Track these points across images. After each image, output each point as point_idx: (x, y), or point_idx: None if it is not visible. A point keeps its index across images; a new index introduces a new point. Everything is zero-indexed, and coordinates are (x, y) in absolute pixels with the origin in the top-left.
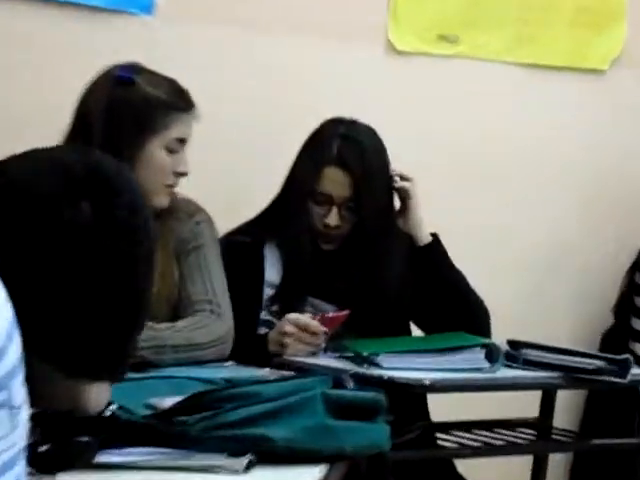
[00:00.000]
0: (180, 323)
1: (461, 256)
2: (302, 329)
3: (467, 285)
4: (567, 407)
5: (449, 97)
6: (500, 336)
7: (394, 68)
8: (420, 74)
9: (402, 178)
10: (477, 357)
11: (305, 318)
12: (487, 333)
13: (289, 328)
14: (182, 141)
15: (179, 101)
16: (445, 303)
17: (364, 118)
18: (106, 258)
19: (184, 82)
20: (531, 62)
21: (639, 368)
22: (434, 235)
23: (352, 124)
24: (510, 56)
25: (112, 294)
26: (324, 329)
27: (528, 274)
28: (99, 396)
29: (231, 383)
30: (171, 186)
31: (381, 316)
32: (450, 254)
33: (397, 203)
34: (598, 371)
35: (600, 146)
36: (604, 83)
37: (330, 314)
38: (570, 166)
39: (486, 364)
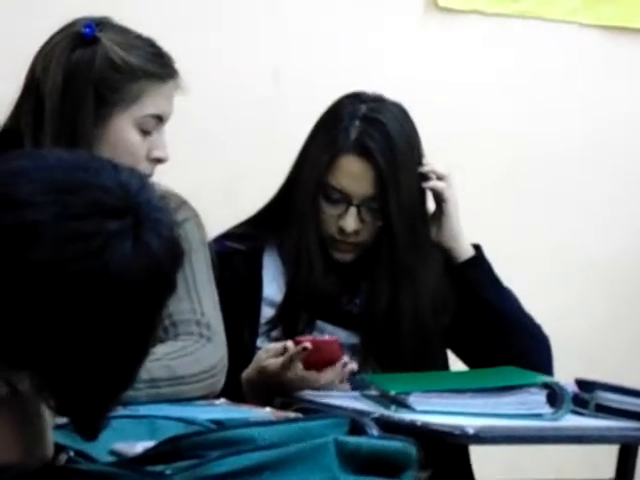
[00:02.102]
0: (160, 349)
1: (517, 274)
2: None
3: (519, 308)
4: None
5: (505, 67)
6: (567, 375)
7: (436, 28)
8: (469, 36)
9: (435, 176)
10: (536, 400)
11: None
12: (547, 369)
13: (272, 362)
14: (159, 119)
15: (155, 67)
16: (492, 330)
17: (396, 93)
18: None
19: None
20: (609, 24)
21: None
22: (477, 247)
23: (376, 102)
24: (584, 16)
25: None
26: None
27: (605, 299)
28: (50, 440)
29: (219, 426)
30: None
31: (412, 346)
32: (499, 271)
33: (430, 207)
34: None
35: None
36: None
37: (305, 337)
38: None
39: (547, 409)
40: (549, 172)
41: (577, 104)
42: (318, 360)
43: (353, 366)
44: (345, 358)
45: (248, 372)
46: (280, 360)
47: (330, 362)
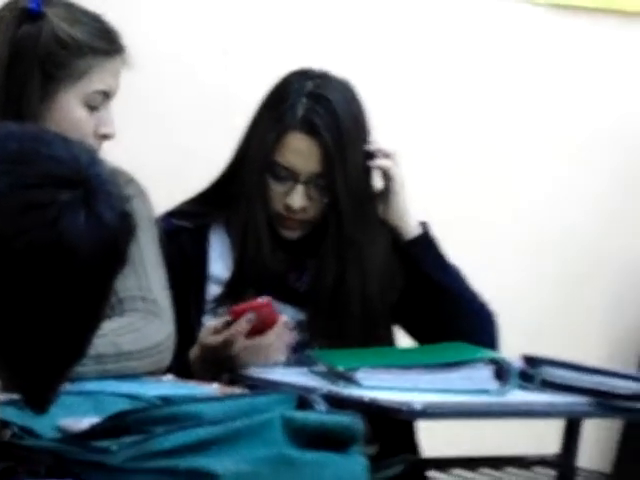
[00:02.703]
0: (106, 325)
1: (465, 252)
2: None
3: (466, 285)
4: (596, 442)
5: (459, 43)
6: (515, 351)
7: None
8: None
9: (382, 154)
10: (482, 375)
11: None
12: (494, 345)
13: (213, 339)
14: (106, 95)
15: (102, 43)
16: (439, 307)
17: (343, 70)
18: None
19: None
20: (559, 2)
21: None
22: (424, 225)
23: (323, 78)
24: None
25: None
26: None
27: (553, 277)
28: None
29: (166, 402)
30: None
31: (359, 322)
32: (447, 249)
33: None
34: (636, 397)
35: None
36: None
37: (240, 305)
38: (606, 140)
39: (494, 384)
40: (500, 151)
41: (526, 81)
42: (257, 325)
43: (289, 325)
44: (283, 317)
45: (194, 350)
46: (221, 337)
47: (270, 324)
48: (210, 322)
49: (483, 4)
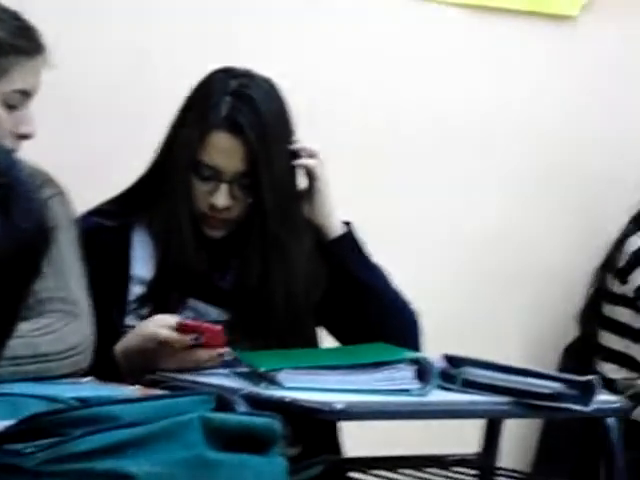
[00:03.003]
0: (23, 327)
1: (388, 253)
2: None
3: (388, 285)
4: (516, 441)
5: (369, 43)
6: (437, 351)
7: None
8: (335, 13)
9: (307, 154)
10: (403, 375)
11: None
12: (416, 345)
13: (150, 345)
14: (26, 94)
15: (23, 42)
16: (361, 307)
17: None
18: None
19: None
20: (482, 4)
21: (607, 393)
22: (348, 225)
23: (247, 77)
24: None
25: None
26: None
27: (475, 279)
28: None
29: (84, 403)
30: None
31: (283, 322)
32: (371, 248)
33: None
34: (556, 396)
35: (570, 114)
36: (573, 31)
37: (193, 321)
38: (523, 140)
39: (415, 385)
40: (420, 150)
41: (444, 85)
42: (202, 344)
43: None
44: (226, 350)
45: (129, 340)
46: (175, 336)
47: (212, 348)
48: (164, 317)
49: (396, 4)
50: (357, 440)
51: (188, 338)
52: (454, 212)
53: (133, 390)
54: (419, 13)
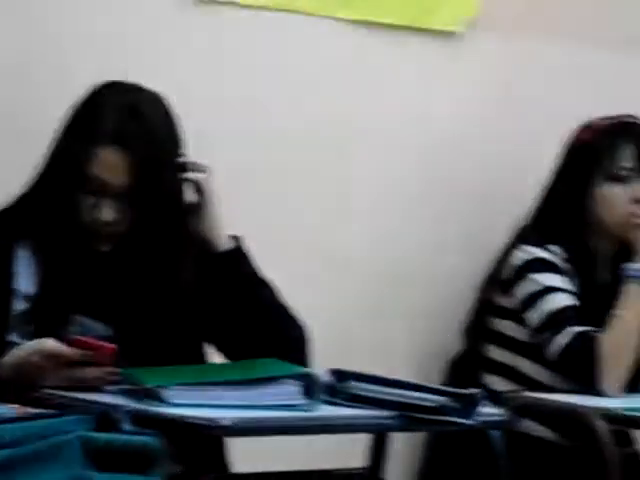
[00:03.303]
0: None
1: (277, 268)
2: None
3: (277, 299)
4: (403, 455)
5: (256, 62)
6: (324, 365)
7: (192, 18)
8: (222, 27)
9: (195, 168)
10: (290, 391)
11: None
12: (304, 360)
13: (35, 359)
14: None
15: None
16: (249, 322)
17: (150, 80)
18: None
19: None
20: (363, 19)
21: (492, 406)
22: (236, 239)
23: (135, 91)
24: (338, 11)
25: None
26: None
27: (357, 288)
28: None
29: None
30: None
31: (168, 338)
32: (260, 262)
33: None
34: (440, 410)
35: (454, 128)
36: (458, 47)
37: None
38: (409, 155)
39: (301, 400)
40: (307, 167)
41: (328, 100)
42: (91, 361)
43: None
44: (117, 370)
45: (13, 355)
46: (64, 349)
47: (100, 365)
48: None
49: (279, 18)
50: (245, 455)
51: (76, 352)
52: (342, 230)
53: (10, 409)
54: (303, 27)
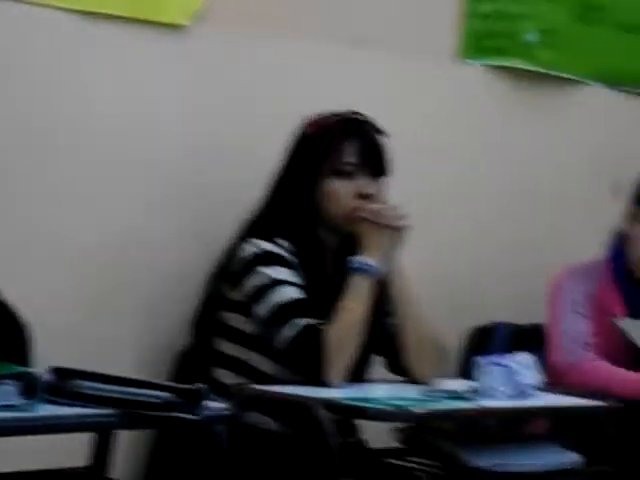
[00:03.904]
0: None
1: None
2: None
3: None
4: (130, 452)
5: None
6: (48, 363)
7: None
8: None
9: None
10: (7, 390)
11: None
12: (26, 356)
13: None
14: None
15: None
16: None
17: None
18: None
19: None
20: (86, 10)
21: (218, 400)
22: None
23: None
24: (60, 0)
25: None
26: None
27: (81, 285)
28: None
29: None
30: None
31: None
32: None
33: None
34: (164, 406)
35: (186, 121)
36: (185, 41)
37: None
38: (133, 152)
39: (20, 400)
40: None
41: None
42: None
43: None
44: None
45: None
46: None
47: None
48: None
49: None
50: None
51: None
52: (90, 219)
53: None
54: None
